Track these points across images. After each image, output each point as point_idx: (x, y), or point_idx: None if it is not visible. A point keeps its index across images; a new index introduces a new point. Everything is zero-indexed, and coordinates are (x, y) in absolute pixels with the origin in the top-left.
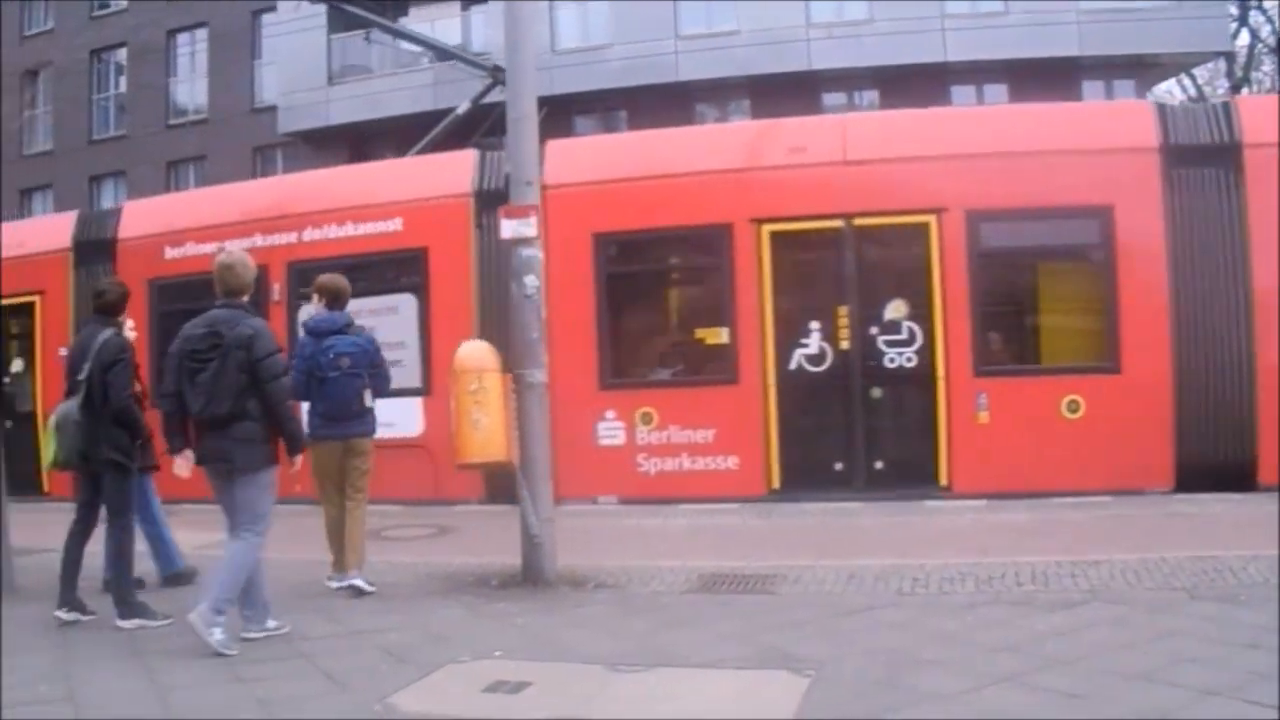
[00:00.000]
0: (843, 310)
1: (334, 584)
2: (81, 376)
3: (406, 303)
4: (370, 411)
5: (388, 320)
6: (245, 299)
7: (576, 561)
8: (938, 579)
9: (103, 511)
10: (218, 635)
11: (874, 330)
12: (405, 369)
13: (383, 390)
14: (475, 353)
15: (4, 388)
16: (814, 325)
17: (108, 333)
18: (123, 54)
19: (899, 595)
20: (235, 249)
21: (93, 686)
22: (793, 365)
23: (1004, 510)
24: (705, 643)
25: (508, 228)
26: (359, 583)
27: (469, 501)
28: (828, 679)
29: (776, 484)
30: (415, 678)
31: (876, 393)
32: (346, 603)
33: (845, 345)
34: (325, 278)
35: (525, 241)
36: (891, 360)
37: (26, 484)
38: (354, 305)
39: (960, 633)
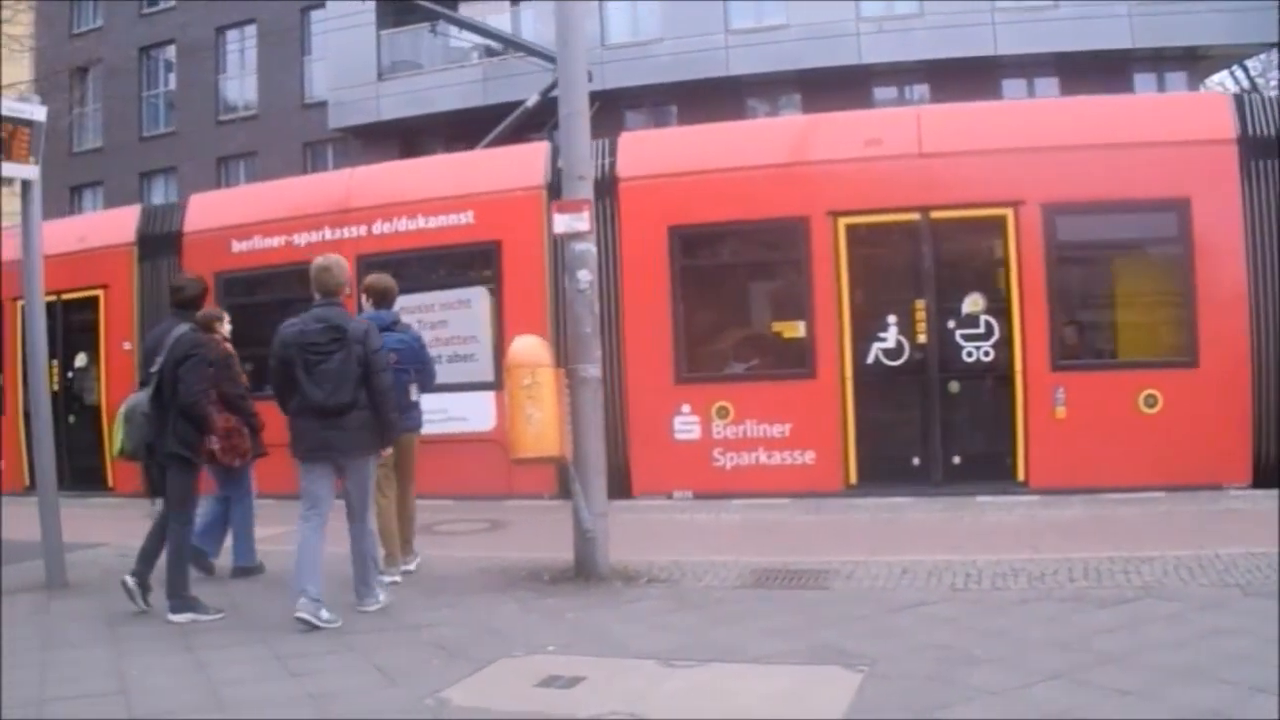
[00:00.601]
0: (919, 304)
1: (386, 579)
2: (154, 369)
3: (478, 296)
4: (416, 406)
5: (459, 314)
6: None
7: (629, 556)
8: (990, 575)
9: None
10: (374, 605)
11: (951, 324)
12: (477, 363)
13: (428, 386)
14: (528, 348)
15: (68, 382)
16: (891, 319)
17: (183, 328)
18: (172, 51)
19: (951, 591)
20: (332, 254)
21: (145, 681)
22: (870, 359)
23: (1057, 506)
24: (758, 638)
25: (561, 222)
26: (392, 576)
27: (541, 497)
28: (880, 675)
29: (854, 479)
30: (468, 672)
31: (954, 387)
32: (397, 596)
33: (922, 339)
34: (372, 278)
35: (578, 236)
36: (969, 354)
37: (91, 479)
38: (426, 299)
39: (1012, 629)
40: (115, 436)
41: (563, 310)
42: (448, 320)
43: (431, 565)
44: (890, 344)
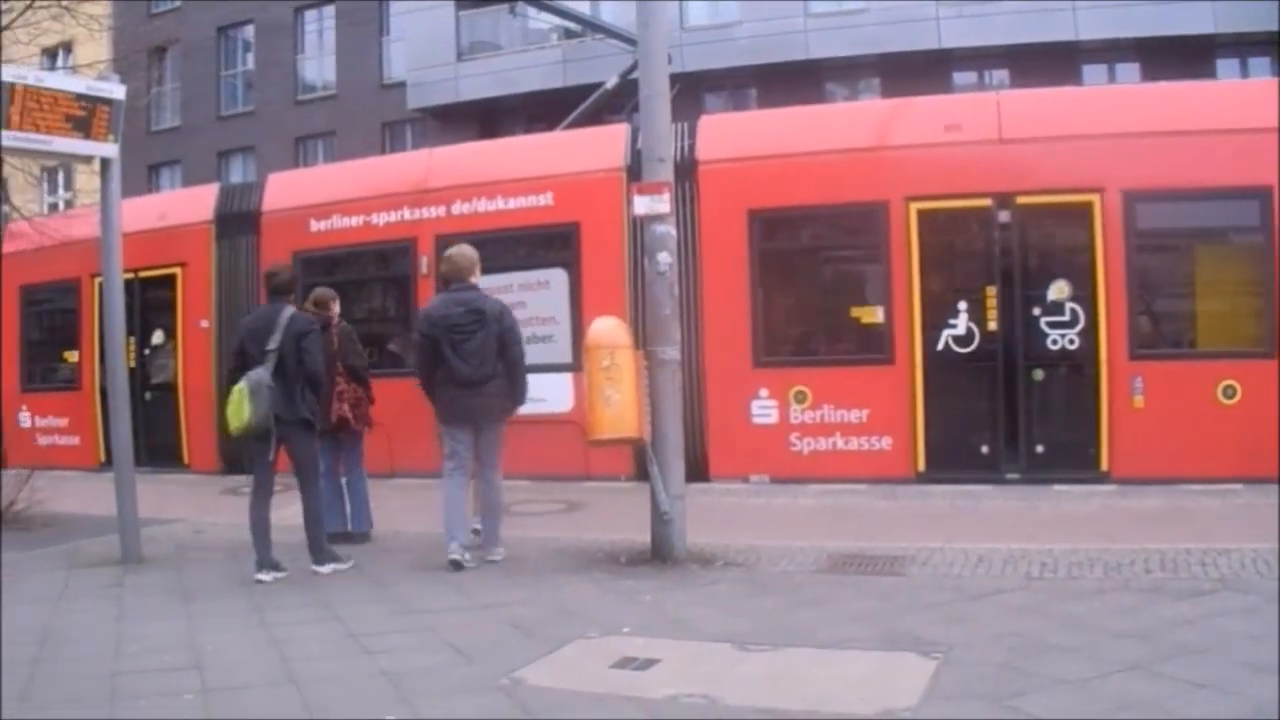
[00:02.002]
0: (990, 290)
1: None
2: (271, 347)
3: (557, 278)
4: None
5: (538, 295)
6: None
7: (706, 539)
8: (1066, 564)
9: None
10: (500, 554)
11: (1037, 311)
12: (556, 344)
13: None
14: (607, 329)
15: (143, 359)
16: (961, 305)
17: (291, 309)
18: (250, 31)
19: (1027, 579)
20: (462, 244)
21: (219, 655)
22: (940, 346)
23: (1134, 496)
24: (833, 623)
25: (641, 204)
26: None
27: (618, 478)
28: (955, 662)
29: (931, 465)
30: (543, 652)
31: (1038, 374)
32: (474, 575)
33: (992, 326)
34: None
35: (658, 218)
36: (1054, 342)
37: (167, 455)
38: (505, 279)
39: (1088, 619)
40: (240, 411)
41: (641, 292)
42: (526, 301)
43: (509, 545)
44: (960, 331)
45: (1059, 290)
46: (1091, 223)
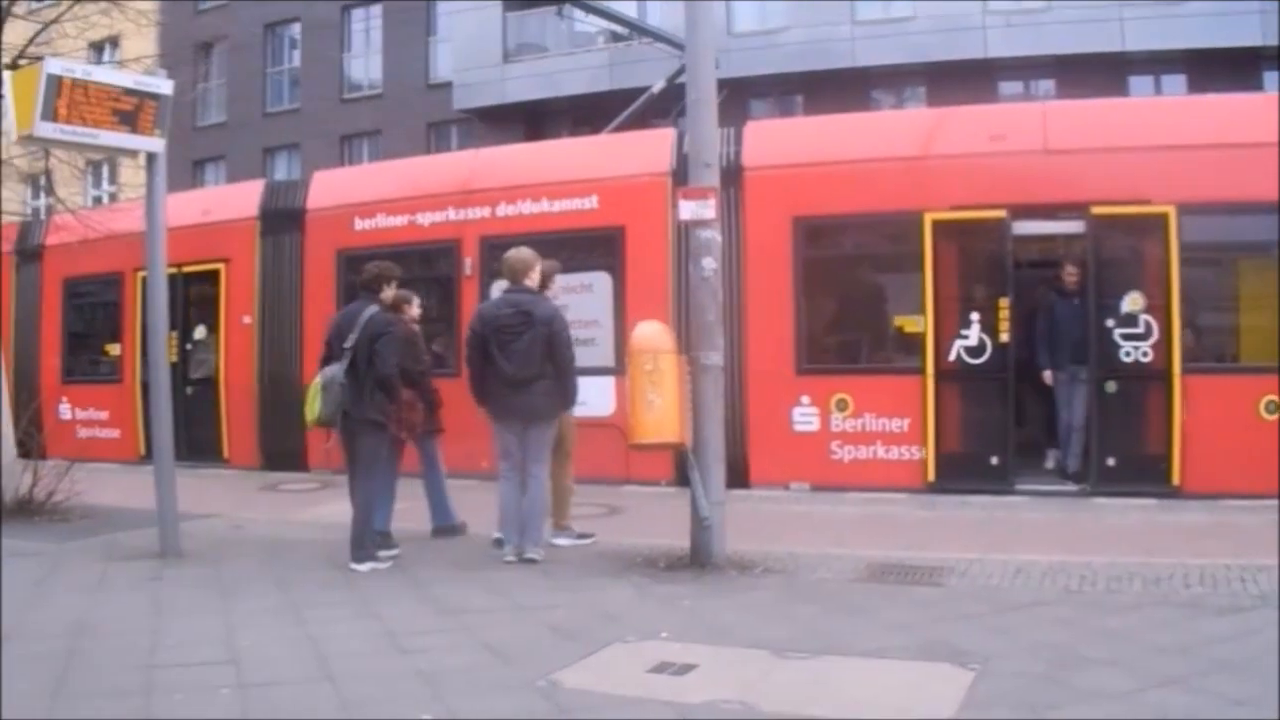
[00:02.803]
0: (1003, 301)
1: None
2: (348, 345)
3: (601, 281)
4: None
5: (582, 298)
6: (529, 283)
7: (745, 546)
8: (1105, 577)
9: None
10: (539, 554)
11: (1110, 323)
12: (598, 348)
13: None
14: (650, 333)
15: (185, 354)
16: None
17: (373, 309)
18: (297, 29)
19: (1066, 592)
20: (522, 247)
21: (255, 650)
22: (952, 356)
23: (1174, 510)
24: (871, 632)
25: (686, 209)
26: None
27: (659, 483)
28: (992, 673)
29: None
30: (581, 655)
31: (1111, 387)
32: (512, 577)
33: (1004, 338)
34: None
35: (704, 223)
36: (1128, 354)
37: (209, 450)
38: None
39: (1126, 632)
40: (312, 405)
41: (685, 297)
42: (569, 304)
43: (548, 547)
44: (973, 342)
45: (1133, 302)
46: (1166, 235)
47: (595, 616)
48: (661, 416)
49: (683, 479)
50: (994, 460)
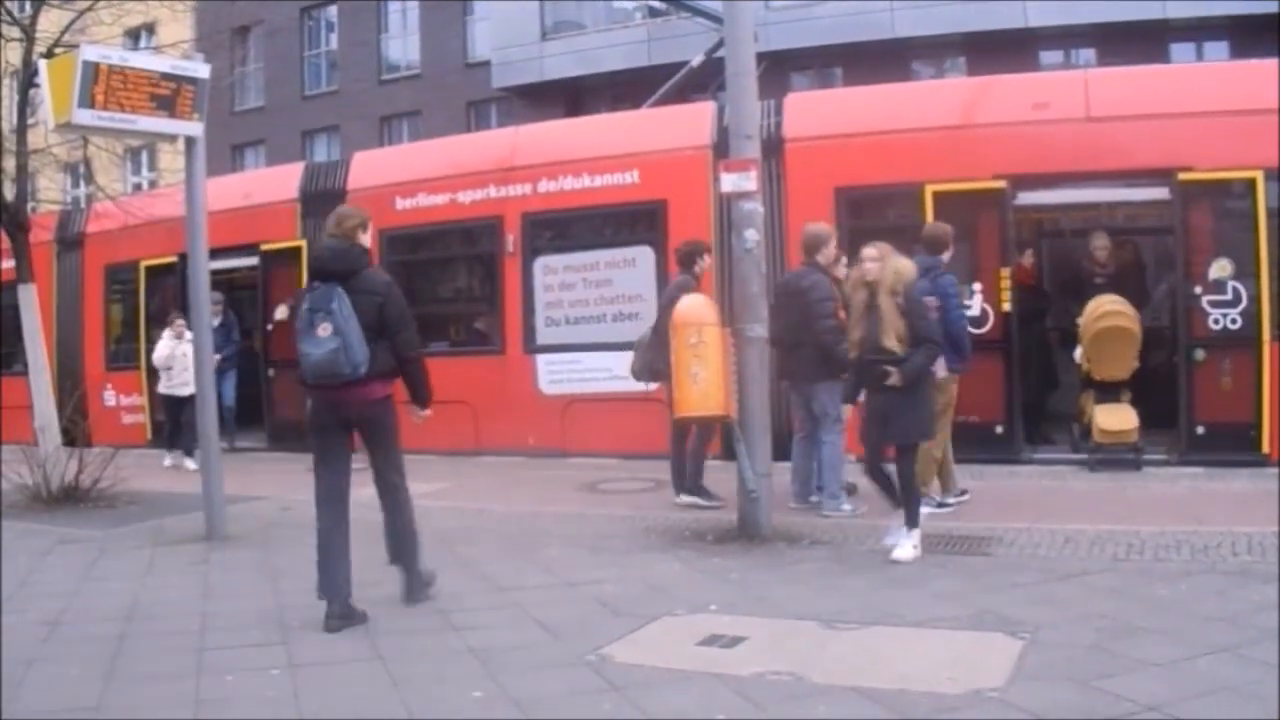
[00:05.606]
0: (1004, 271)
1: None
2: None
3: (644, 255)
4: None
5: (624, 273)
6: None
7: (792, 518)
8: (1153, 546)
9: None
10: (846, 507)
11: (1198, 290)
12: (642, 322)
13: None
14: (694, 306)
15: (268, 336)
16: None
17: (684, 278)
18: (333, 11)
19: (1114, 561)
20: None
21: (305, 631)
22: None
23: (1222, 479)
24: (921, 602)
25: (728, 181)
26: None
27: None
28: (1042, 643)
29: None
30: (630, 629)
31: (1199, 355)
32: (561, 553)
33: (1006, 307)
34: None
35: (745, 195)
36: (1216, 321)
37: (297, 435)
38: (590, 257)
39: (1175, 601)
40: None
41: (728, 270)
42: (612, 279)
43: (595, 523)
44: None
45: (1221, 269)
46: (1255, 200)
47: (644, 590)
48: (706, 389)
49: (729, 452)
50: (999, 429)
